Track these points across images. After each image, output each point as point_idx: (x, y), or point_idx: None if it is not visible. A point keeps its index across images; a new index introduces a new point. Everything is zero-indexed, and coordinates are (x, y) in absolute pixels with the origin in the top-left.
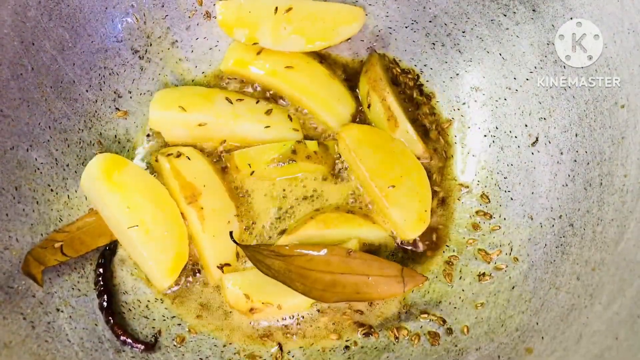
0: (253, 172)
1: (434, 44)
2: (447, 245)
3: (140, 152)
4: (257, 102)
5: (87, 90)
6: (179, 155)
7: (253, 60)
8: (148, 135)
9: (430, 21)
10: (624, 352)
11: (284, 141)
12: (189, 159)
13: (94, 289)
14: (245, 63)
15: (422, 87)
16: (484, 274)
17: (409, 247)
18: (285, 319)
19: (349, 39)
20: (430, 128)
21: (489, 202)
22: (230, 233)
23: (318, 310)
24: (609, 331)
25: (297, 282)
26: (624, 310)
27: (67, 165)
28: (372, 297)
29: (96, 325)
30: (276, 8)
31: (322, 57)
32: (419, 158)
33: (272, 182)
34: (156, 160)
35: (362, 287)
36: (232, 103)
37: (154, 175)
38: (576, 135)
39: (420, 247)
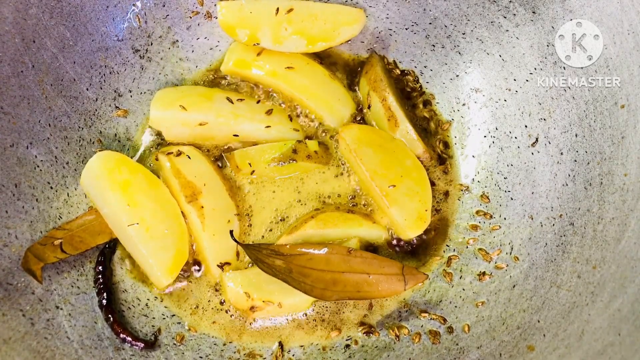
0: (253, 171)
1: (434, 45)
2: (447, 245)
3: (140, 150)
4: (257, 102)
5: (87, 89)
6: (179, 154)
7: (253, 61)
8: (157, 146)
9: (430, 23)
10: (627, 348)
11: (285, 141)
12: (189, 157)
13: (94, 287)
14: (246, 64)
15: (422, 88)
16: (484, 273)
17: (409, 247)
18: (286, 317)
19: (350, 40)
20: (430, 129)
21: (489, 202)
22: (231, 232)
23: (318, 310)
24: (611, 328)
25: (298, 281)
26: (625, 307)
27: (67, 163)
28: (373, 295)
29: (96, 322)
30: (277, 9)
31: (322, 58)
32: (419, 158)
33: (273, 182)
34: (156, 159)
35: (363, 285)
36: (232, 103)
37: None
38: (576, 135)
39: (420, 246)
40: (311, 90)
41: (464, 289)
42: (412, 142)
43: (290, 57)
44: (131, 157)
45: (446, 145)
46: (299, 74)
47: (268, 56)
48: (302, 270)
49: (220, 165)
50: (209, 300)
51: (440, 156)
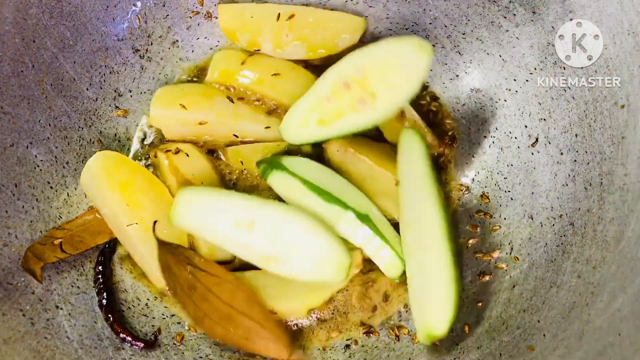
0: (245, 169)
1: (434, 45)
2: None
3: (140, 149)
4: (258, 102)
5: (87, 89)
6: (177, 151)
7: (238, 70)
8: (150, 142)
9: (430, 23)
10: (627, 348)
11: (282, 142)
12: (187, 155)
13: (94, 287)
14: (231, 73)
15: (422, 87)
16: (484, 273)
17: None
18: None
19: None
20: (436, 121)
21: (489, 202)
22: (154, 224)
23: (317, 318)
24: (612, 328)
25: (193, 305)
26: (626, 307)
27: (67, 163)
28: (259, 350)
29: (95, 322)
30: (278, 14)
31: (307, 62)
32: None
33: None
34: (155, 157)
35: (253, 335)
36: (233, 102)
37: (152, 171)
38: (576, 135)
39: None
40: (298, 96)
41: (464, 289)
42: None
43: (275, 64)
44: (130, 157)
45: (453, 139)
46: (285, 80)
47: (253, 64)
48: (205, 293)
49: (217, 163)
50: None
51: (448, 143)
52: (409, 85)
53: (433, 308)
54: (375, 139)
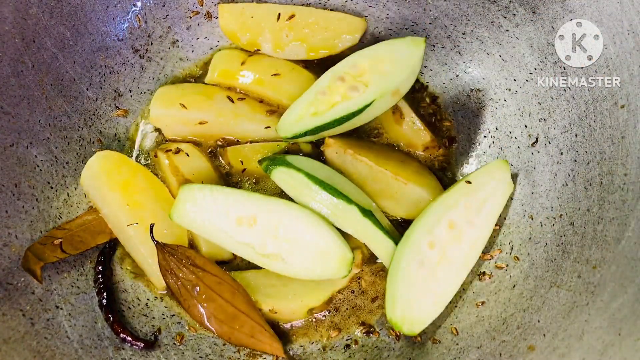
0: (245, 169)
1: (434, 45)
2: None
3: (140, 149)
4: (260, 102)
5: (87, 89)
6: (177, 151)
7: (238, 70)
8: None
9: (430, 23)
10: (627, 348)
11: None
12: (187, 155)
13: (94, 287)
14: (231, 73)
15: (422, 88)
16: (484, 272)
17: None
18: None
19: (350, 47)
20: (434, 123)
21: None
22: (151, 227)
23: (317, 317)
24: (612, 327)
25: (198, 305)
26: (625, 307)
27: (67, 163)
28: (264, 349)
29: (96, 322)
30: (279, 15)
31: (306, 62)
32: (427, 147)
33: (265, 180)
34: (155, 157)
35: (257, 333)
36: (233, 102)
37: (152, 171)
38: (576, 135)
39: None
40: (298, 96)
41: (464, 289)
42: (418, 131)
43: (275, 64)
44: (130, 156)
45: (451, 140)
46: (285, 80)
47: (253, 64)
48: (210, 293)
49: (217, 163)
50: None
51: (447, 145)
52: (399, 72)
53: (425, 302)
54: (374, 141)
